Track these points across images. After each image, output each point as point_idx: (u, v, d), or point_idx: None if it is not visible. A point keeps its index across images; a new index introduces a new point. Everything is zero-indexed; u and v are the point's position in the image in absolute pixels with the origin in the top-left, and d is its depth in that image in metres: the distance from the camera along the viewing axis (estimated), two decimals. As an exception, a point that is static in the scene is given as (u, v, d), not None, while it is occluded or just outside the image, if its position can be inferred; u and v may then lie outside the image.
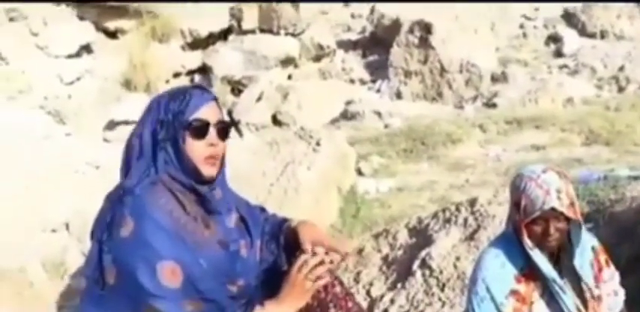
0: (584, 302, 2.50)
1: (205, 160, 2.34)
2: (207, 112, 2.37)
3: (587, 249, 2.56)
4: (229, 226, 2.45)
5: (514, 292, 2.48)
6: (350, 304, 2.54)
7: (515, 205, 2.46)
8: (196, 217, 2.33)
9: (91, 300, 2.28)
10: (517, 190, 2.45)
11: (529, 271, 2.50)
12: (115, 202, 2.27)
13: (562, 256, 2.53)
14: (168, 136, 2.31)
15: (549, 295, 2.49)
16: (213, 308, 2.26)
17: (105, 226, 2.25)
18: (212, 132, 2.36)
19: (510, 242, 2.52)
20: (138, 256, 2.17)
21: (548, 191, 2.40)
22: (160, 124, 2.31)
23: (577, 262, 2.48)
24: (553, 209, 2.39)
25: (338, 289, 2.53)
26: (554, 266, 2.50)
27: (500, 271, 2.50)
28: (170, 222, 2.24)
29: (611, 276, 2.65)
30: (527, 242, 2.45)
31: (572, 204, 2.41)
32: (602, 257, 2.64)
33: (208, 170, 2.35)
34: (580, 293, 2.51)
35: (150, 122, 2.33)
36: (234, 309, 2.34)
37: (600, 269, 2.60)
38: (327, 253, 2.43)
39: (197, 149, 2.34)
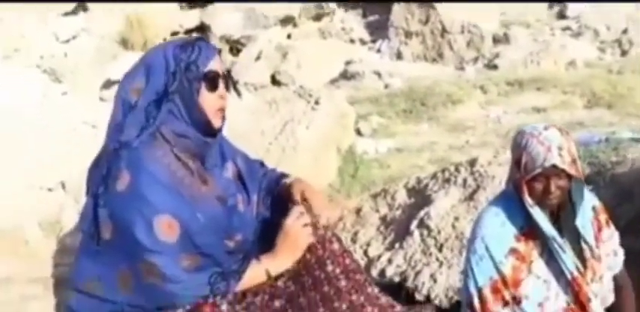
0: (584, 261, 2.47)
1: (216, 112, 2.33)
2: (216, 64, 2.34)
3: (588, 208, 2.53)
4: (227, 177, 2.42)
5: (513, 251, 2.47)
6: (347, 261, 2.52)
7: (517, 162, 2.44)
8: (193, 171, 2.29)
9: (88, 255, 2.26)
10: (518, 147, 2.42)
11: (529, 230, 2.47)
12: (111, 155, 2.23)
13: (562, 215, 2.50)
14: (180, 87, 2.26)
15: (549, 254, 2.46)
16: (209, 263, 2.25)
17: (100, 180, 2.22)
18: (221, 84, 2.32)
19: (510, 201, 2.48)
20: (134, 209, 2.16)
21: (550, 148, 2.37)
22: (173, 76, 2.25)
23: (579, 221, 2.46)
24: (554, 166, 2.36)
25: (336, 245, 2.51)
26: (554, 225, 2.47)
27: (499, 230, 2.48)
28: (167, 175, 2.22)
29: (611, 235, 2.63)
30: (528, 200, 2.43)
31: (573, 161, 2.38)
32: (603, 217, 2.62)
33: (218, 122, 2.35)
34: (580, 252, 2.49)
35: (154, 73, 2.27)
36: (230, 264, 2.32)
37: (600, 229, 2.59)
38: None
39: (210, 101, 2.32)
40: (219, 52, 2.42)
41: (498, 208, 2.52)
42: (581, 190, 2.46)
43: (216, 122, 2.34)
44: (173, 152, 2.27)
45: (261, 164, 2.74)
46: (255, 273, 2.33)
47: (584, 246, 2.48)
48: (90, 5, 10.19)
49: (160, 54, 2.30)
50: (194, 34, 11.23)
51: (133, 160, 2.21)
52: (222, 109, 2.37)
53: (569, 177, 2.40)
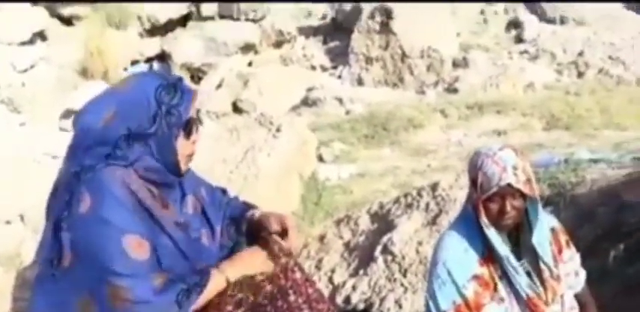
0: (543, 282, 2.47)
1: (187, 158, 2.28)
2: (194, 109, 2.28)
3: (546, 228, 2.52)
4: (187, 212, 2.38)
5: (476, 277, 2.45)
6: (310, 290, 2.48)
7: (473, 182, 2.43)
8: (155, 195, 2.26)
9: (45, 284, 2.18)
10: (474, 168, 2.42)
11: (489, 254, 2.46)
12: (72, 178, 2.18)
13: (521, 237, 2.50)
14: (158, 131, 2.18)
15: (507, 276, 2.46)
16: (177, 278, 2.21)
17: (64, 204, 2.16)
18: (195, 130, 2.30)
19: (470, 223, 2.48)
20: (99, 232, 2.07)
21: (505, 168, 2.37)
22: (152, 118, 2.17)
23: (535, 240, 2.45)
24: (509, 185, 2.36)
25: (298, 274, 2.47)
26: (514, 247, 2.47)
27: (462, 256, 2.47)
28: (129, 197, 2.16)
29: (571, 256, 2.63)
30: (484, 220, 2.42)
31: (528, 181, 2.38)
32: (563, 238, 2.62)
33: (186, 167, 2.29)
34: (539, 273, 2.48)
35: (131, 110, 2.16)
36: (191, 278, 2.28)
37: (560, 250, 2.58)
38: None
39: (184, 147, 2.26)
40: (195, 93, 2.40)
41: (459, 231, 2.51)
42: (536, 210, 2.46)
43: (184, 167, 2.30)
44: (135, 173, 2.23)
45: (223, 191, 2.71)
46: (216, 282, 2.31)
47: (542, 266, 2.47)
48: (48, 34, 10.11)
49: (139, 91, 2.20)
50: (155, 63, 11.20)
51: (94, 183, 2.12)
52: (192, 154, 2.35)
53: (524, 197, 2.40)
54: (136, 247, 2.09)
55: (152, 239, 2.14)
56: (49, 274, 2.17)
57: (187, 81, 10.76)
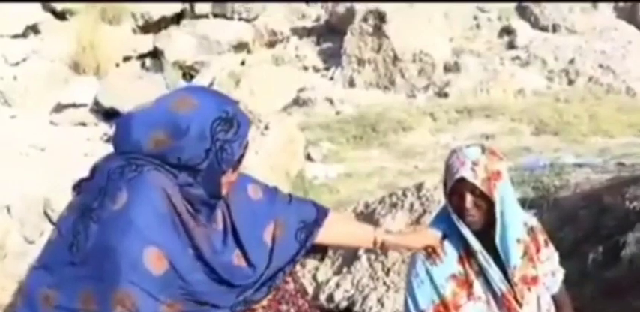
0: (510, 283, 2.49)
1: (228, 185, 2.22)
2: (246, 144, 2.22)
3: (516, 229, 2.51)
4: (216, 228, 2.32)
5: (454, 276, 2.47)
6: (301, 301, 2.51)
7: (444, 178, 2.48)
8: (191, 212, 2.21)
9: (53, 264, 2.12)
10: (445, 164, 2.47)
11: (467, 250, 2.49)
12: (116, 170, 2.13)
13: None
14: (208, 166, 2.13)
15: (484, 274, 2.49)
16: (192, 307, 2.16)
17: (97, 193, 2.12)
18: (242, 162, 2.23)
19: (449, 221, 2.51)
20: (122, 234, 2.04)
21: (464, 163, 2.40)
22: (205, 153, 2.11)
23: (497, 241, 2.46)
24: (465, 180, 2.38)
25: (291, 285, 2.50)
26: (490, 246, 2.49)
27: (441, 254, 2.50)
28: (166, 206, 2.10)
29: (549, 256, 2.65)
30: (453, 214, 2.46)
31: (488, 179, 2.40)
32: (541, 237, 2.63)
33: (226, 191, 2.22)
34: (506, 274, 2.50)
35: (182, 138, 2.09)
36: (225, 303, 2.23)
37: (538, 249, 2.60)
38: None
39: (228, 179, 2.20)
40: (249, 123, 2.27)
41: (438, 229, 2.54)
42: (501, 212, 2.46)
43: (224, 192, 2.25)
44: (179, 187, 2.19)
45: (275, 190, 2.60)
46: (363, 235, 2.47)
47: (507, 269, 2.49)
48: (41, 27, 10.12)
49: (196, 122, 2.11)
50: (147, 59, 11.19)
51: (136, 183, 2.08)
52: (234, 181, 2.25)
53: (487, 198, 2.42)
54: (154, 260, 2.06)
55: (177, 251, 2.10)
56: (64, 257, 2.14)
57: (179, 78, 10.83)
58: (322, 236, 2.44)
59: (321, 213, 2.47)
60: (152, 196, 2.08)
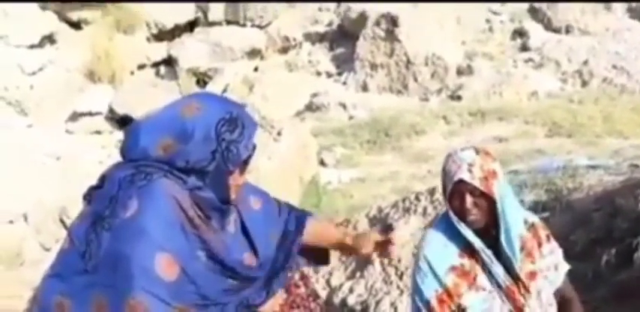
0: (515, 278, 2.54)
1: (236, 188, 2.26)
2: (252, 145, 2.23)
3: (515, 222, 2.55)
4: (230, 231, 2.35)
5: (454, 268, 2.53)
6: (312, 305, 2.54)
7: (442, 182, 2.52)
8: (202, 217, 2.23)
9: (66, 272, 2.15)
10: (442, 170, 2.52)
11: (470, 247, 2.54)
12: (126, 179, 2.16)
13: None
14: (215, 168, 2.16)
15: (489, 269, 2.54)
16: (211, 300, 2.18)
17: (108, 201, 2.14)
18: (249, 163, 2.25)
19: (450, 222, 2.56)
20: (134, 242, 2.06)
21: (460, 165, 2.45)
22: (212, 155, 2.15)
23: (503, 239, 2.51)
24: (463, 181, 2.43)
25: (302, 289, 2.53)
26: (493, 243, 2.53)
27: (442, 250, 2.56)
28: (177, 213, 2.12)
29: (552, 250, 2.68)
30: (453, 217, 2.50)
31: (486, 178, 2.44)
32: (543, 232, 2.67)
33: (234, 195, 2.25)
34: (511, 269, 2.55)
35: (189, 142, 2.13)
36: (227, 301, 2.26)
37: (540, 244, 2.63)
38: None
39: (236, 180, 2.22)
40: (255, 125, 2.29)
41: (439, 228, 2.59)
42: (503, 210, 2.50)
43: (234, 195, 2.29)
44: (189, 195, 2.21)
45: (278, 203, 2.64)
46: None
47: (513, 264, 2.53)
48: (57, 37, 10.21)
49: (201, 124, 2.14)
50: (162, 67, 11.27)
51: (146, 191, 2.11)
52: (242, 185, 2.27)
53: (489, 197, 2.46)
54: (166, 267, 2.08)
55: (188, 261, 2.12)
56: (74, 265, 2.16)
57: (193, 85, 10.89)
58: (305, 241, 2.53)
59: (300, 223, 2.54)
60: (162, 204, 2.11)
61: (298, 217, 2.56)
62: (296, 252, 2.51)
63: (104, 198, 2.16)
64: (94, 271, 2.10)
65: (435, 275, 2.52)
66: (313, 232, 2.58)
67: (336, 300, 4.74)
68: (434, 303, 2.51)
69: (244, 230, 2.37)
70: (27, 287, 4.73)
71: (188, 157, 2.14)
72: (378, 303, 4.50)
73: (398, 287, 4.55)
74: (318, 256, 2.63)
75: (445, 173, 2.50)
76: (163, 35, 11.49)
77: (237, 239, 2.34)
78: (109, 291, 2.08)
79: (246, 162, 2.22)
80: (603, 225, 4.44)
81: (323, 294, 4.60)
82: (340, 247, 2.65)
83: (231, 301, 2.27)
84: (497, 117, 9.22)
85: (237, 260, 2.28)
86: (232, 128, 2.16)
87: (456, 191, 2.47)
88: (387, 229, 2.63)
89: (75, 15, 10.64)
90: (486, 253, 2.51)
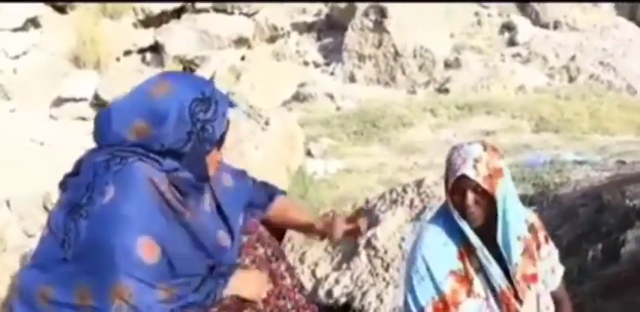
0: (510, 280, 2.49)
1: (215, 165, 2.24)
2: (226, 121, 2.25)
3: (517, 226, 2.50)
4: (205, 210, 2.32)
5: (453, 273, 2.47)
6: (298, 296, 2.54)
7: (445, 175, 2.47)
8: (180, 198, 2.20)
9: (46, 262, 2.12)
10: (446, 162, 2.46)
11: (467, 247, 2.49)
12: (101, 164, 2.12)
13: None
14: (191, 148, 2.15)
15: (484, 271, 2.48)
16: (186, 291, 2.16)
17: (84, 189, 2.11)
18: (225, 139, 2.27)
19: (448, 217, 2.50)
20: (114, 227, 2.05)
21: (465, 160, 2.39)
22: (187, 136, 2.13)
23: (499, 239, 2.45)
24: (466, 177, 2.37)
25: (288, 280, 2.52)
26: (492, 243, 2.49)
27: (441, 250, 2.49)
28: (154, 196, 2.10)
29: (550, 252, 2.65)
30: (454, 212, 2.45)
31: (490, 176, 2.39)
32: (541, 234, 2.63)
33: (213, 171, 2.26)
34: (507, 271, 2.50)
35: (164, 124, 2.11)
36: (210, 288, 2.23)
37: (539, 246, 2.59)
38: None
39: (214, 157, 2.22)
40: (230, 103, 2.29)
41: (438, 225, 2.52)
42: (503, 209, 2.45)
43: (212, 172, 2.26)
44: (166, 177, 2.17)
45: (244, 173, 2.66)
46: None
47: (508, 266, 2.48)
48: (41, 21, 10.09)
49: (175, 106, 2.12)
50: (148, 54, 11.18)
51: (122, 176, 2.09)
52: (219, 161, 2.30)
53: (490, 196, 2.41)
54: (147, 250, 2.07)
55: (168, 243, 2.11)
56: (54, 254, 2.13)
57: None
58: (271, 218, 2.60)
59: (267, 199, 2.62)
60: (139, 187, 2.10)
61: (269, 194, 2.62)
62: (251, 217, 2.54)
63: (80, 185, 2.13)
64: (75, 260, 2.08)
65: (433, 280, 2.46)
66: (282, 209, 2.62)
67: (322, 292, 4.72)
68: (429, 311, 2.46)
69: (218, 209, 2.37)
70: (9, 273, 4.68)
71: (163, 140, 2.13)
72: (364, 295, 4.49)
73: (384, 279, 4.53)
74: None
75: (449, 166, 2.43)
76: (150, 21, 11.38)
77: (213, 218, 2.34)
78: (92, 278, 2.06)
79: (221, 138, 2.21)
80: (590, 220, 4.45)
81: (308, 285, 4.59)
82: (307, 230, 2.67)
83: (212, 284, 2.26)
84: (484, 111, 9.23)
85: (213, 242, 2.28)
86: (206, 108, 2.14)
87: (458, 186, 2.41)
88: (356, 215, 2.63)
89: (61, -1, 10.52)
90: (484, 253, 2.45)
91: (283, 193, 2.73)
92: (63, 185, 2.22)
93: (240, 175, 2.58)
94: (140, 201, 2.09)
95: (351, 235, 2.64)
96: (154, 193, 2.12)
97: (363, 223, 2.63)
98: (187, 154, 2.16)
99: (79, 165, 2.20)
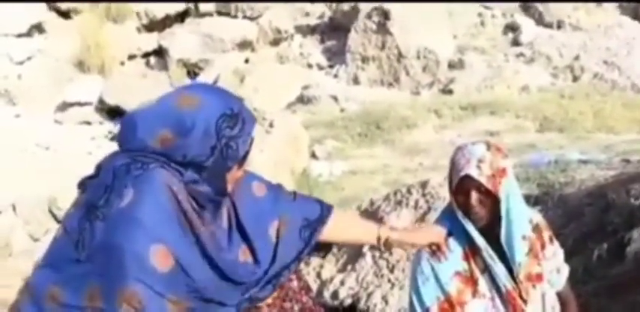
0: (515, 280, 2.48)
1: (233, 181, 2.20)
2: (251, 140, 2.20)
3: (521, 226, 2.49)
4: (221, 225, 2.31)
5: (458, 274, 2.46)
6: (305, 299, 2.51)
7: (449, 175, 2.46)
8: (196, 210, 2.20)
9: (59, 262, 2.11)
10: (450, 162, 2.45)
11: (472, 247, 2.48)
12: (121, 167, 2.13)
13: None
14: (213, 163, 2.11)
15: (489, 271, 2.48)
16: (200, 308, 2.15)
17: (103, 191, 2.11)
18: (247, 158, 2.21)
19: (454, 217, 2.49)
20: (129, 232, 2.03)
21: (469, 160, 2.37)
22: (211, 151, 2.10)
23: (503, 239, 2.45)
24: (470, 177, 2.37)
25: (295, 283, 2.50)
26: (496, 243, 2.48)
27: (446, 251, 2.48)
28: (172, 204, 2.09)
29: (555, 252, 2.63)
30: (458, 212, 2.44)
31: (494, 176, 2.38)
32: (546, 234, 2.61)
33: (231, 187, 2.21)
34: (511, 271, 2.49)
35: (188, 136, 2.08)
36: (234, 302, 2.23)
37: (543, 246, 2.58)
38: None
39: (234, 174, 2.20)
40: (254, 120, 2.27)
41: (443, 226, 2.53)
42: (506, 209, 2.44)
43: (229, 188, 2.23)
44: (185, 185, 2.17)
45: (280, 186, 2.60)
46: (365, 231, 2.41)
47: (512, 266, 2.47)
48: (46, 26, 10.13)
49: (201, 119, 2.10)
50: (152, 58, 11.20)
51: (142, 181, 2.06)
52: (239, 177, 2.24)
53: (493, 195, 2.39)
54: (161, 258, 2.05)
55: (183, 249, 2.09)
56: (70, 255, 2.13)
57: (183, 76, 10.84)
58: (326, 234, 2.44)
59: (325, 210, 2.45)
60: (158, 193, 2.08)
61: (324, 206, 2.47)
62: (314, 243, 2.40)
63: (99, 187, 2.12)
64: (87, 261, 2.07)
65: (438, 281, 2.45)
66: (340, 225, 2.48)
67: (327, 293, 4.73)
68: (434, 311, 2.45)
69: (239, 225, 2.30)
70: (16, 277, 4.70)
71: (186, 151, 2.10)
72: (369, 296, 4.49)
73: (389, 280, 4.54)
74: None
75: (453, 166, 2.42)
76: (154, 25, 11.42)
77: (231, 234, 2.28)
78: (103, 280, 2.04)
79: (244, 157, 2.21)
80: (595, 219, 4.44)
81: (314, 287, 4.59)
82: (369, 242, 2.57)
83: (230, 301, 2.21)
84: (488, 111, 9.23)
85: (229, 260, 2.22)
86: (233, 124, 2.11)
87: (461, 186, 2.40)
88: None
89: (64, 4, 10.56)
90: (489, 253, 2.44)
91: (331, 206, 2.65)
92: (82, 186, 2.23)
93: (277, 187, 2.53)
94: (158, 207, 2.06)
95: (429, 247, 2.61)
96: (172, 200, 2.10)
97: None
98: (208, 169, 2.14)
99: (99, 168, 2.21)
